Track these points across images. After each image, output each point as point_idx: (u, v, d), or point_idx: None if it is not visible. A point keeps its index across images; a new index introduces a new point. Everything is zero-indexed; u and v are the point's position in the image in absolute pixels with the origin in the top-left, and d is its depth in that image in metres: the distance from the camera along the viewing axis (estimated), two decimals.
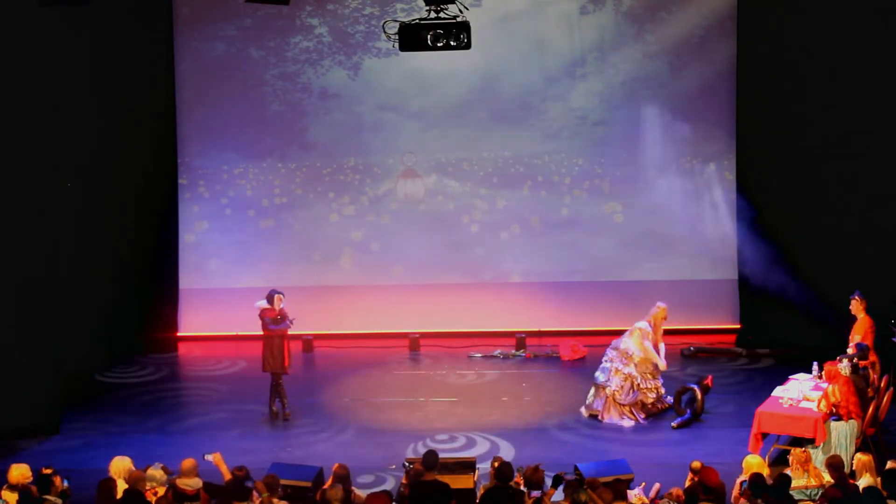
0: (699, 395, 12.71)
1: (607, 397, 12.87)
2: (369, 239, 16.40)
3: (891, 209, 14.43)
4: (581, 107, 15.98)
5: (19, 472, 9.57)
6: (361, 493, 9.67)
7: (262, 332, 13.23)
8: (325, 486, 9.49)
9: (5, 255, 12.49)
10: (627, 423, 12.77)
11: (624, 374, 12.89)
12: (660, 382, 13.06)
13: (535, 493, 9.32)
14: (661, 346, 13.19)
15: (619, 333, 15.79)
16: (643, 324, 13.13)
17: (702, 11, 15.69)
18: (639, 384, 12.89)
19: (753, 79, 15.19)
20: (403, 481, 9.91)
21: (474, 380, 14.37)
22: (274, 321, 13.11)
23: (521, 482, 9.51)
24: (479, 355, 15.09)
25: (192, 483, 9.51)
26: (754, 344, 15.43)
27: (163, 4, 15.81)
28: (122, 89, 15.12)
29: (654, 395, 12.97)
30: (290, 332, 13.28)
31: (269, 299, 13.19)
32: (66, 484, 9.60)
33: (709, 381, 12.92)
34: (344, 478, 9.57)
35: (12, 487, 9.46)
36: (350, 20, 15.94)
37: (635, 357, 12.95)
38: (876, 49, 14.26)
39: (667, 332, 15.80)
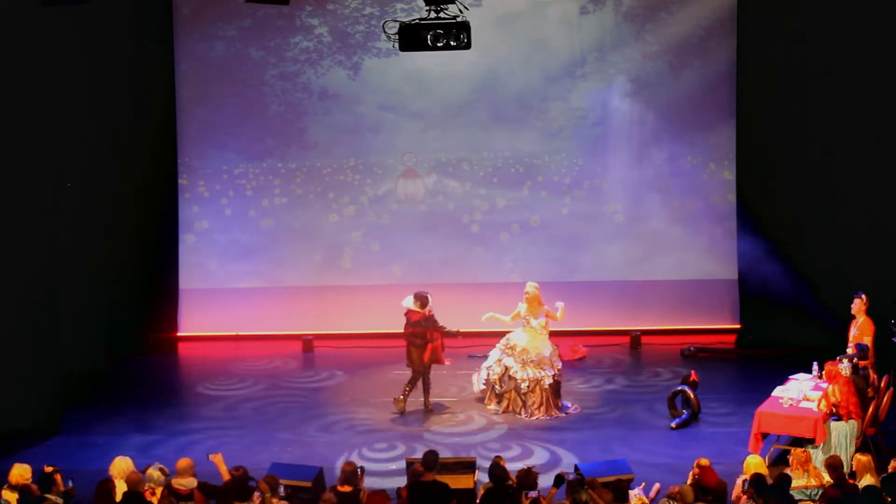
0: (691, 394, 12.72)
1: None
2: (369, 239, 16.41)
3: (891, 209, 14.45)
4: (581, 107, 15.97)
5: (19, 472, 9.57)
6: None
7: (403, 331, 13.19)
8: (337, 486, 9.46)
9: (5, 255, 12.48)
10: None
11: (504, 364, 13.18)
12: (535, 374, 13.03)
13: (532, 494, 9.31)
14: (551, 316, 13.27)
15: (619, 333, 15.97)
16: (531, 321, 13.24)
17: (702, 11, 15.69)
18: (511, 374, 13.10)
19: (753, 79, 15.20)
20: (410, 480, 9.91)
21: (474, 380, 14.34)
22: (419, 324, 12.97)
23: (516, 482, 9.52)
24: (480, 355, 15.06)
25: (186, 483, 9.51)
26: (754, 344, 15.44)
27: (163, 4, 15.81)
28: (122, 89, 15.13)
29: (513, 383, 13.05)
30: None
31: (423, 301, 13.01)
32: (69, 484, 9.60)
33: (693, 376, 12.94)
34: (351, 475, 9.54)
35: (13, 487, 9.47)
36: (350, 20, 15.94)
37: (517, 346, 13.16)
38: (876, 49, 14.28)
39: (667, 333, 15.98)
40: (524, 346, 13.15)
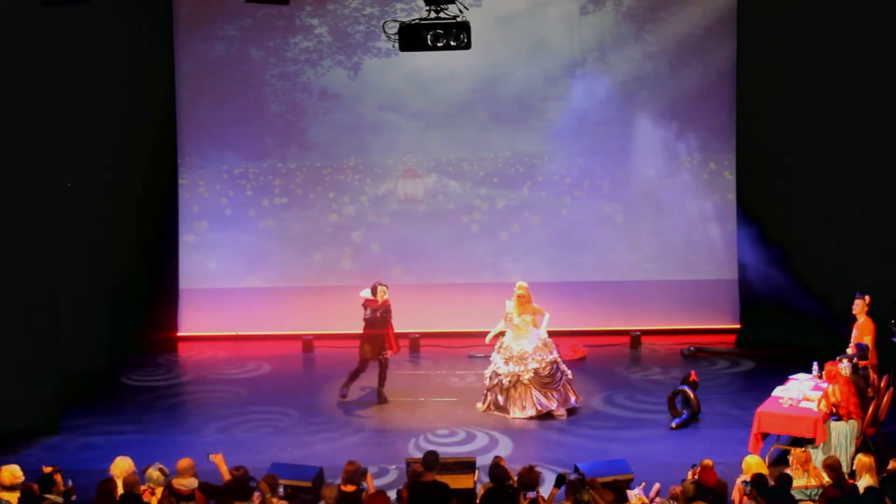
0: (691, 394, 12.73)
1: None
2: (369, 239, 16.41)
3: (891, 209, 14.45)
4: (581, 107, 15.97)
5: (10, 472, 9.53)
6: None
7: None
8: (340, 486, 9.46)
9: (5, 255, 12.48)
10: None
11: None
12: (514, 368, 13.10)
13: (531, 494, 9.29)
14: (542, 320, 13.32)
15: (619, 333, 15.97)
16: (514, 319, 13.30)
17: (702, 11, 15.70)
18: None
19: (753, 79, 15.20)
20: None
21: (474, 380, 14.33)
22: (373, 313, 13.34)
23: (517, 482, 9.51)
24: (480, 355, 15.07)
25: (187, 483, 9.51)
26: (754, 344, 15.44)
27: (163, 4, 15.81)
28: (122, 89, 15.13)
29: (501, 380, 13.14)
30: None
31: (373, 290, 13.33)
32: (70, 483, 9.59)
33: (693, 376, 12.94)
34: (354, 474, 9.52)
35: (7, 488, 9.43)
36: (350, 20, 15.94)
37: (503, 344, 13.31)
38: (876, 49, 14.28)
39: (667, 333, 15.99)
40: (508, 343, 13.24)
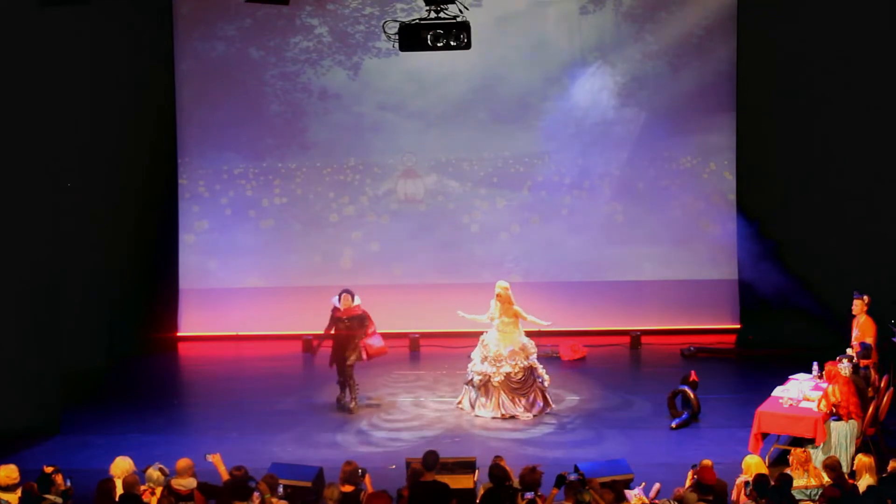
0: (691, 394, 12.72)
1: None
2: (369, 239, 16.41)
3: (891, 209, 14.45)
4: (581, 107, 15.97)
5: (5, 473, 9.52)
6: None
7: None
8: (340, 486, 9.46)
9: (6, 255, 12.47)
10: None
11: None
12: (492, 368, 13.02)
13: (529, 495, 9.26)
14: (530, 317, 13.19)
15: (619, 333, 15.97)
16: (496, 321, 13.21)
17: (702, 11, 15.70)
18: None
19: (753, 79, 15.21)
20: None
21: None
22: (333, 322, 13.23)
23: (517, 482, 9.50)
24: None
25: (185, 483, 9.51)
26: (754, 344, 15.44)
27: (163, 4, 15.83)
28: (122, 89, 15.14)
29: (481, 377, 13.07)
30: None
31: (339, 298, 13.23)
32: (68, 483, 9.59)
33: (693, 376, 12.93)
34: (352, 474, 9.53)
35: (3, 489, 9.41)
36: (350, 20, 15.95)
37: (483, 341, 13.22)
38: (876, 49, 14.29)
39: (667, 333, 15.98)
40: (487, 342, 13.17)
